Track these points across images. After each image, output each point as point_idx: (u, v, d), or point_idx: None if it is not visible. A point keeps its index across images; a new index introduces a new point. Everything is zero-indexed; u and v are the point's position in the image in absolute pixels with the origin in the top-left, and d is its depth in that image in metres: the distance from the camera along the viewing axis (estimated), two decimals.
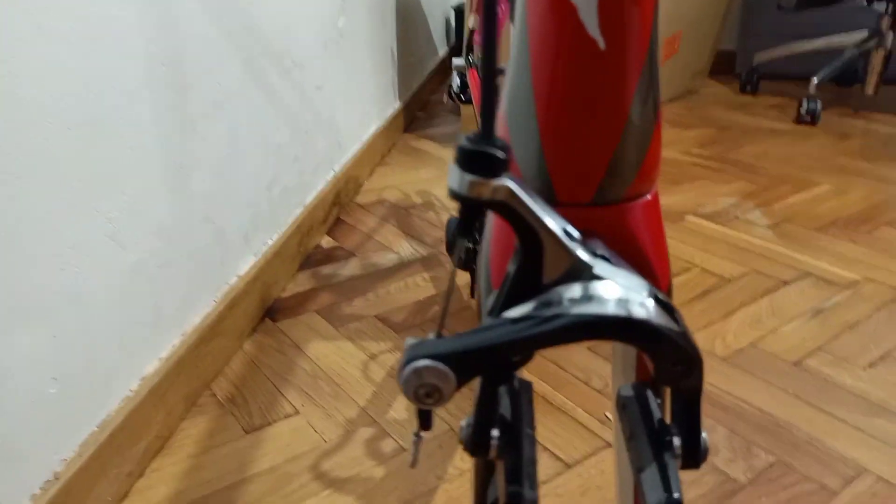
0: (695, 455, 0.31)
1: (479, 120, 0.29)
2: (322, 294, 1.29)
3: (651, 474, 0.30)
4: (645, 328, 0.29)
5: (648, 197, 0.36)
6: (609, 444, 0.95)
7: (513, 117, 0.35)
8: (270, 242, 1.22)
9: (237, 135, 1.08)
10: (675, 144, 2.25)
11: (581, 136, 0.33)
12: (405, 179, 1.89)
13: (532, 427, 0.33)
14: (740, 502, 0.87)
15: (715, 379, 1.09)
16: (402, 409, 0.98)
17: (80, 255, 0.74)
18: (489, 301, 0.34)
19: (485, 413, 0.31)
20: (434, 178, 1.90)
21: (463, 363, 0.29)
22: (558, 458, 0.91)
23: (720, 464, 0.92)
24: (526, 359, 0.31)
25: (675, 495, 0.29)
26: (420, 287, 1.33)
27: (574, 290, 0.30)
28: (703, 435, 0.32)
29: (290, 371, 1.06)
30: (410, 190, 1.82)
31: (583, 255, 0.30)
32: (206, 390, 0.99)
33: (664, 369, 0.30)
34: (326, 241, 1.48)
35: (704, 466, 0.92)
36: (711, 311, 1.28)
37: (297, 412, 0.97)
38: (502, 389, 0.35)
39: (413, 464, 0.34)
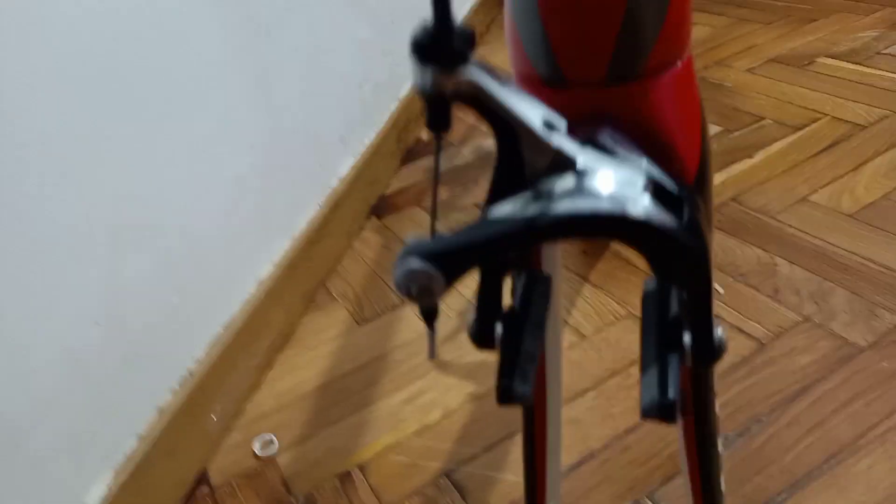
0: (707, 353, 0.30)
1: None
2: (426, 187, 1.31)
3: (650, 374, 0.30)
4: (629, 224, 0.28)
5: (677, 66, 0.33)
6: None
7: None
8: (368, 142, 1.25)
9: (316, 37, 1.09)
10: None
11: (583, 5, 0.30)
12: (506, 58, 1.83)
13: (540, 322, 0.33)
14: (858, 367, 0.83)
15: (837, 238, 1.02)
16: (506, 297, 1.01)
17: (178, 172, 0.80)
18: None
19: (484, 307, 0.32)
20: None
21: (449, 263, 0.29)
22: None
23: (837, 328, 0.88)
24: (521, 255, 0.31)
25: (669, 396, 0.29)
26: None
27: (554, 186, 0.29)
28: (718, 331, 0.30)
29: None
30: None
31: (564, 145, 0.29)
32: (321, 288, 1.07)
33: (661, 267, 0.29)
34: (426, 134, 1.48)
35: (819, 331, 0.88)
36: (840, 164, 1.17)
37: (404, 304, 1.02)
38: (519, 281, 0.35)
39: (431, 355, 0.35)
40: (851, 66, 1.46)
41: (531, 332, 0.32)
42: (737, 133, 1.29)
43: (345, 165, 1.17)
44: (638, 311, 0.94)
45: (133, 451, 0.74)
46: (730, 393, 0.82)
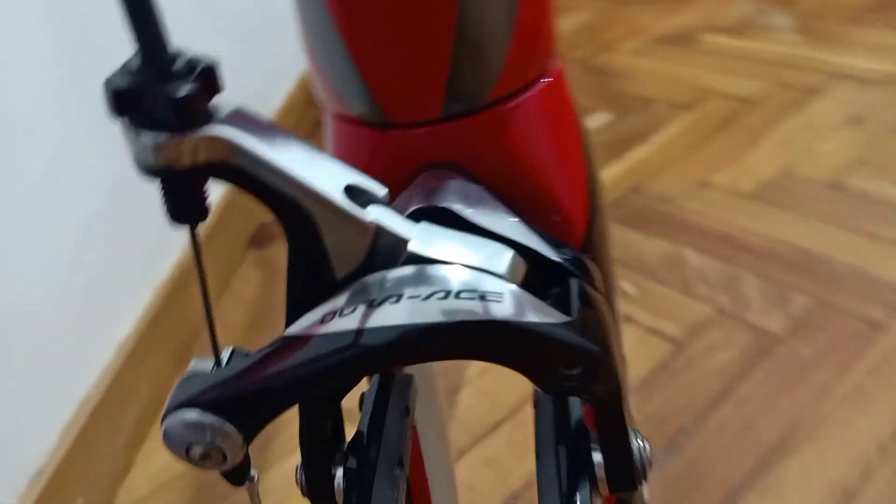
0: (626, 479, 0.22)
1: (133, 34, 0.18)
2: None
3: None
4: (497, 334, 0.19)
5: (542, 83, 0.24)
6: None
7: (302, 15, 0.24)
8: None
9: None
10: None
11: (399, 23, 0.21)
12: None
13: (396, 457, 0.24)
14: (778, 358, 0.79)
15: (742, 220, 0.98)
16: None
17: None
18: None
19: (312, 452, 0.23)
20: None
21: (244, 414, 0.20)
22: None
23: (753, 318, 0.83)
24: (340, 391, 0.22)
25: None
26: None
27: (378, 286, 0.19)
28: (639, 445, 0.22)
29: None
30: None
31: (387, 221, 0.20)
32: (195, 341, 0.95)
33: (548, 380, 0.20)
34: None
35: (734, 323, 0.83)
36: (735, 143, 1.15)
37: None
38: (368, 392, 0.26)
39: None
40: (732, 41, 1.44)
41: (385, 478, 0.23)
42: (629, 118, 1.25)
43: (213, 194, 1.05)
44: None
45: None
46: (653, 403, 0.76)
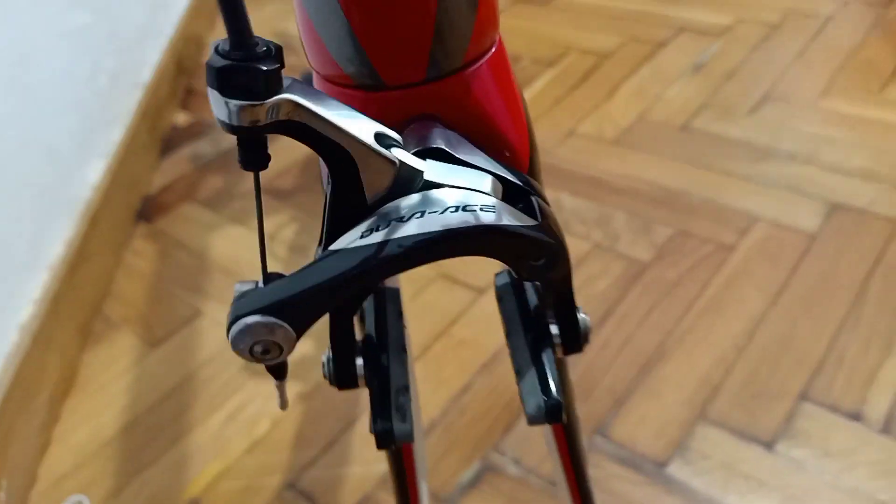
0: (575, 340, 0.30)
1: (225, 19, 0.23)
2: (194, 178, 1.19)
3: (529, 377, 0.28)
4: (491, 236, 0.25)
5: (493, 50, 0.31)
6: None
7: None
8: (116, 139, 1.10)
9: (19, 35, 0.93)
10: None
11: (392, 5, 0.27)
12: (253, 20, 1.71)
13: (402, 345, 0.30)
14: (648, 281, 0.90)
15: (607, 164, 1.09)
16: None
17: None
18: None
19: (341, 346, 0.28)
20: (284, 11, 1.73)
21: (295, 313, 0.25)
22: (468, 286, 0.92)
23: (623, 248, 0.94)
24: (369, 290, 0.27)
25: (555, 396, 0.28)
26: (298, 144, 1.25)
27: (400, 208, 0.26)
28: (582, 316, 0.30)
29: (182, 272, 1.00)
30: (261, 32, 1.65)
31: (407, 159, 0.26)
32: (96, 317, 0.94)
33: (521, 268, 0.27)
34: (182, 118, 1.35)
35: (609, 255, 0.94)
36: (596, 94, 1.25)
37: (199, 313, 0.93)
38: (367, 305, 0.32)
39: (283, 406, 0.31)
40: (588, 0, 1.55)
41: (396, 360, 0.29)
42: None
43: (94, 172, 1.02)
44: (447, 269, 0.94)
45: None
46: None
